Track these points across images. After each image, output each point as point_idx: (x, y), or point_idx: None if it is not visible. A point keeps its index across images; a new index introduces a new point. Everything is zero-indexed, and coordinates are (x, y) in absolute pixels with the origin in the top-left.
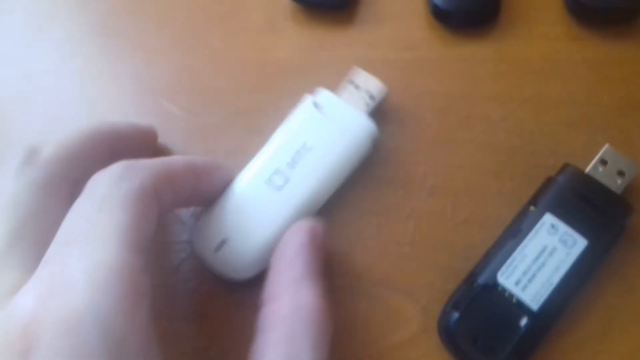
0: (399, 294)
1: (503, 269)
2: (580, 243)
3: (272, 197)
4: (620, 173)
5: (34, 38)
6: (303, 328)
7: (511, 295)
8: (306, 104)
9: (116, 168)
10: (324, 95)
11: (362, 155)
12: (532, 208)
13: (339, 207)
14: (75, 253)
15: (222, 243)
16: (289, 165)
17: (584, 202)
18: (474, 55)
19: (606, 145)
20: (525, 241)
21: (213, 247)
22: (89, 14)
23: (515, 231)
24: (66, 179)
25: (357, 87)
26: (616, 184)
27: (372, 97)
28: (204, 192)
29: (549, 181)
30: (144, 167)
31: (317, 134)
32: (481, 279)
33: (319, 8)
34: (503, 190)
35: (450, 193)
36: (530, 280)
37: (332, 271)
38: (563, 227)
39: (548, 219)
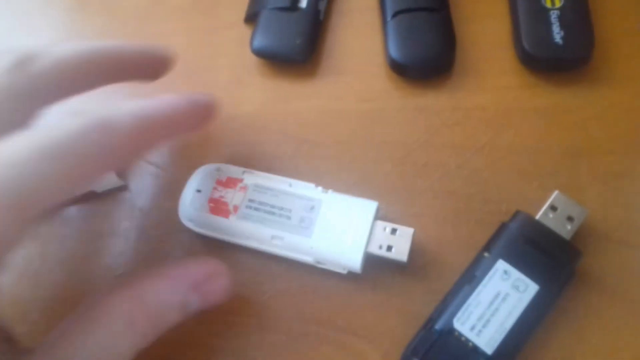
0: (362, 340)
1: (459, 314)
2: (531, 288)
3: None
4: (570, 218)
5: None
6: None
7: (467, 340)
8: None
9: (85, 124)
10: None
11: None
12: (486, 254)
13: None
14: None
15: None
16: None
17: (535, 248)
18: (430, 105)
19: (555, 192)
20: (480, 287)
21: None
22: None
23: (470, 277)
24: (45, 98)
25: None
26: (566, 229)
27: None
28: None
29: (502, 227)
30: (111, 139)
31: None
32: (438, 325)
33: (283, 63)
34: (460, 236)
35: None
36: (484, 326)
37: (295, 317)
38: (515, 273)
39: (501, 265)
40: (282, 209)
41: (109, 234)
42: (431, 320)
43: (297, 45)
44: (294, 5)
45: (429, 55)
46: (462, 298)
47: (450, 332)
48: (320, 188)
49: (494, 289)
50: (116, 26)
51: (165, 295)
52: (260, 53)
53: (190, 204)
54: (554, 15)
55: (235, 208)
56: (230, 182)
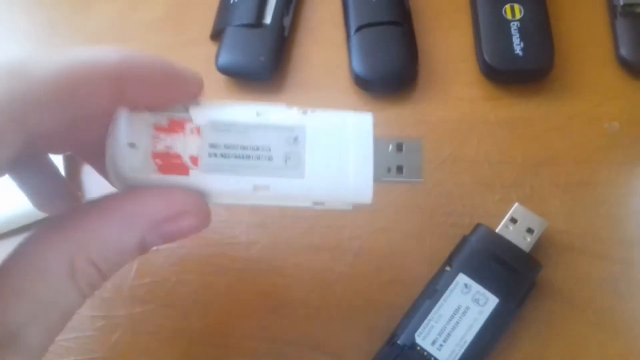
0: (328, 356)
1: (420, 329)
2: (491, 301)
3: None
4: (530, 230)
5: None
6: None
7: (429, 355)
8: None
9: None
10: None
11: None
12: (447, 268)
13: (268, 273)
14: None
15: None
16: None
17: (495, 261)
18: (394, 119)
19: (515, 205)
20: (441, 301)
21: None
22: None
23: (432, 291)
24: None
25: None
26: (525, 242)
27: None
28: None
29: (463, 241)
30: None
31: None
32: (401, 340)
33: (248, 80)
34: (423, 250)
35: (374, 255)
36: (445, 340)
37: (261, 336)
38: (475, 287)
39: (461, 278)
40: (257, 148)
41: None
42: (394, 335)
43: (262, 62)
44: (258, 22)
45: (391, 69)
46: (423, 312)
47: (412, 347)
48: (295, 109)
49: (455, 302)
50: (84, 45)
51: (114, 238)
52: (225, 70)
53: (125, 165)
54: (514, 27)
55: (194, 160)
56: (174, 126)
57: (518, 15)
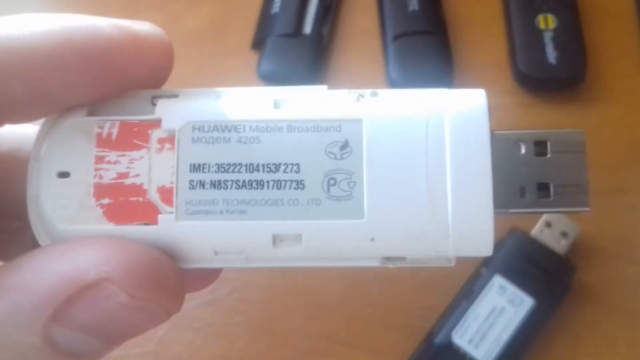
0: (366, 353)
1: (457, 328)
2: (527, 302)
3: None
4: (564, 234)
5: None
6: None
7: (465, 353)
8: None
9: None
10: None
11: None
12: (483, 270)
13: (309, 274)
14: None
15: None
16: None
17: (530, 263)
18: None
19: None
20: (477, 302)
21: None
22: None
23: (468, 292)
24: None
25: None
26: (560, 245)
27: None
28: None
29: (498, 244)
30: None
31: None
32: (438, 339)
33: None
34: None
35: None
36: (481, 339)
37: (303, 333)
38: (511, 288)
39: (497, 280)
40: (277, 167)
41: None
42: (431, 334)
43: (302, 70)
44: (298, 32)
45: (427, 77)
46: (460, 312)
47: (449, 345)
48: (344, 91)
49: (491, 303)
50: None
51: None
52: (267, 78)
53: (52, 212)
54: (547, 37)
55: (167, 194)
56: (131, 135)
57: (551, 26)
